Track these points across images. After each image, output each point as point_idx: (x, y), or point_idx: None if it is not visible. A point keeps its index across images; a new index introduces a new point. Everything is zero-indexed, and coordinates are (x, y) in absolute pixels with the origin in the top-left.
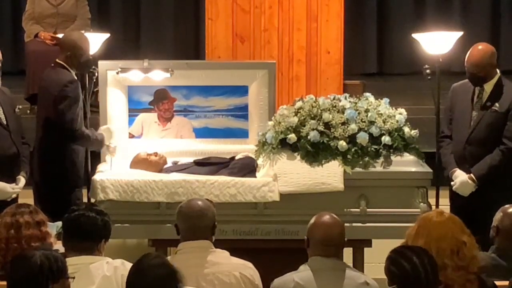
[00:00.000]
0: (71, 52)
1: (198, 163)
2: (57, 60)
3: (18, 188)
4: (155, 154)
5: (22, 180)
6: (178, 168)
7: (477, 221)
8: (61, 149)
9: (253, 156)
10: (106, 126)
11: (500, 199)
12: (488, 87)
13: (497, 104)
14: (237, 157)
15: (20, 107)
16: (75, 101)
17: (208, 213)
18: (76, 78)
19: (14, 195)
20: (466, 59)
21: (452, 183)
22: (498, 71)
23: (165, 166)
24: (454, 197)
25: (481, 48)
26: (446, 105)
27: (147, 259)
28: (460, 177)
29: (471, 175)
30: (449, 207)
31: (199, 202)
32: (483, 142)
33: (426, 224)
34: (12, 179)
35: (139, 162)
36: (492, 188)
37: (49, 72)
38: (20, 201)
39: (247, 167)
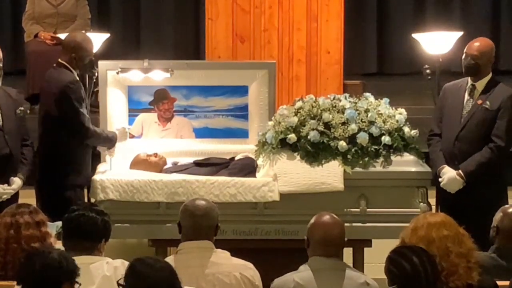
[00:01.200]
0: (75, 54)
1: (198, 163)
2: (59, 60)
3: (11, 190)
4: (155, 155)
5: (16, 182)
6: (178, 168)
7: (467, 220)
8: (62, 148)
9: (253, 156)
10: (122, 127)
11: (489, 197)
12: (480, 85)
13: (487, 102)
14: (237, 158)
15: (22, 108)
16: (81, 100)
17: (213, 213)
18: (77, 78)
19: (5, 196)
20: (466, 49)
21: (440, 179)
22: (491, 72)
23: (165, 167)
24: (443, 198)
25: (483, 39)
26: (437, 104)
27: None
28: (448, 174)
29: (459, 171)
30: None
31: (204, 202)
32: (473, 139)
33: (422, 219)
34: (4, 180)
35: (138, 163)
36: (481, 186)
37: (51, 72)
38: (21, 201)
39: (247, 168)
